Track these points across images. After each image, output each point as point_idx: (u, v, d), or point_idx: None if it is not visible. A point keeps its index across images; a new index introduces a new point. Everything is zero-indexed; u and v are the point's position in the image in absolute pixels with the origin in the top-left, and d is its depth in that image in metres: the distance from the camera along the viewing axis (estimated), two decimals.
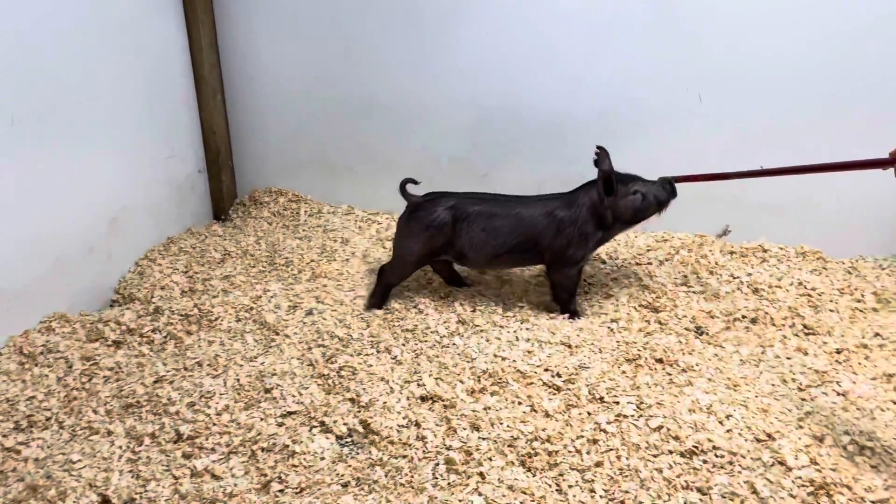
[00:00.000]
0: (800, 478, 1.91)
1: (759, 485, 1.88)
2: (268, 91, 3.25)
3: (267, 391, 2.23)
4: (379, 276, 2.72)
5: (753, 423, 2.09)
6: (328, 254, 3.00)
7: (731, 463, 1.96)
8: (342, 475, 1.94)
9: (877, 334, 2.48)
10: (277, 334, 2.49)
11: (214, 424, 2.08)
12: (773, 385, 2.25)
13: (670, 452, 2.00)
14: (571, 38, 2.90)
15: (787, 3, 2.70)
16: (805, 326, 2.53)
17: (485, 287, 2.83)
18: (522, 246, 2.59)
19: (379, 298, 2.70)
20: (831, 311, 2.62)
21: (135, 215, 2.86)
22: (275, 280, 2.81)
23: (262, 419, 2.12)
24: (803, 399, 2.20)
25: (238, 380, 2.26)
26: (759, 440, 2.04)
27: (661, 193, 2.52)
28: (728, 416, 2.12)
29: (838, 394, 2.21)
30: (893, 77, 2.67)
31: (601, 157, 2.51)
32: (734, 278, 2.82)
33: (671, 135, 2.96)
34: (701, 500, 1.86)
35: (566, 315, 2.66)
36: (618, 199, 2.50)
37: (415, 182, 2.64)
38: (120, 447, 2.00)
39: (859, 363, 2.35)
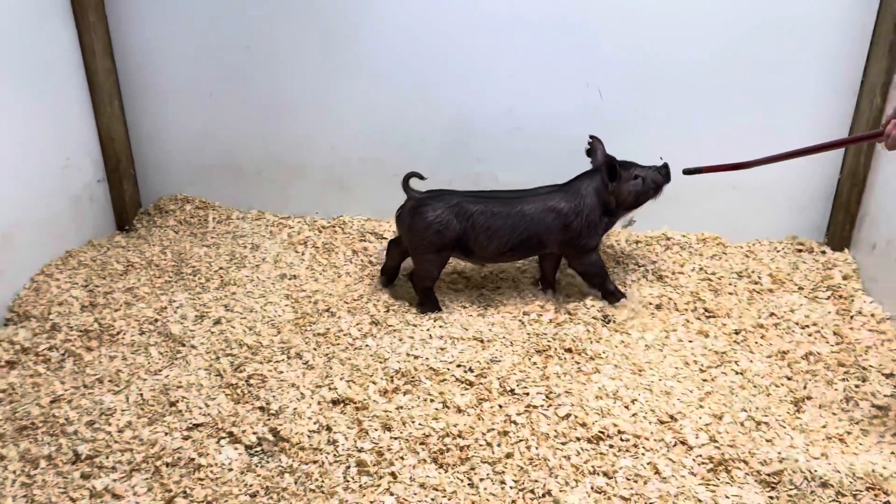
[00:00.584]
0: (700, 455, 1.98)
1: (662, 465, 1.95)
2: (168, 95, 3.16)
3: (172, 404, 2.16)
4: (413, 283, 2.73)
5: (657, 405, 2.16)
6: (238, 261, 2.94)
7: (635, 446, 2.02)
8: (250, 485, 1.90)
9: (772, 314, 2.59)
10: (183, 345, 2.43)
11: (115, 442, 2.01)
12: (675, 368, 2.33)
13: (578, 439, 2.05)
14: (475, 35, 2.93)
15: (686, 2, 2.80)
16: (706, 310, 2.62)
17: (400, 287, 2.83)
18: (527, 242, 2.62)
19: (429, 302, 2.71)
20: (730, 293, 2.73)
21: (28, 229, 2.74)
22: (181, 290, 2.74)
23: (166, 434, 2.06)
24: (704, 380, 2.28)
25: (141, 394, 2.19)
26: (662, 422, 2.10)
27: (658, 177, 2.62)
28: (633, 401, 2.18)
29: (736, 373, 2.31)
30: (783, 71, 2.80)
31: (595, 145, 2.66)
32: (639, 266, 2.91)
33: (575, 130, 3.02)
34: (607, 483, 1.90)
35: (608, 299, 2.70)
36: (621, 184, 2.59)
37: (421, 177, 2.65)
38: (13, 472, 1.91)
39: (756, 342, 2.45)
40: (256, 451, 2.03)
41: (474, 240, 2.60)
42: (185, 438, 2.04)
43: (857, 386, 2.20)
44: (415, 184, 2.64)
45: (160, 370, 2.30)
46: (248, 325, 2.54)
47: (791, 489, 1.87)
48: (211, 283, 2.78)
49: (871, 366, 2.26)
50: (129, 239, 3.08)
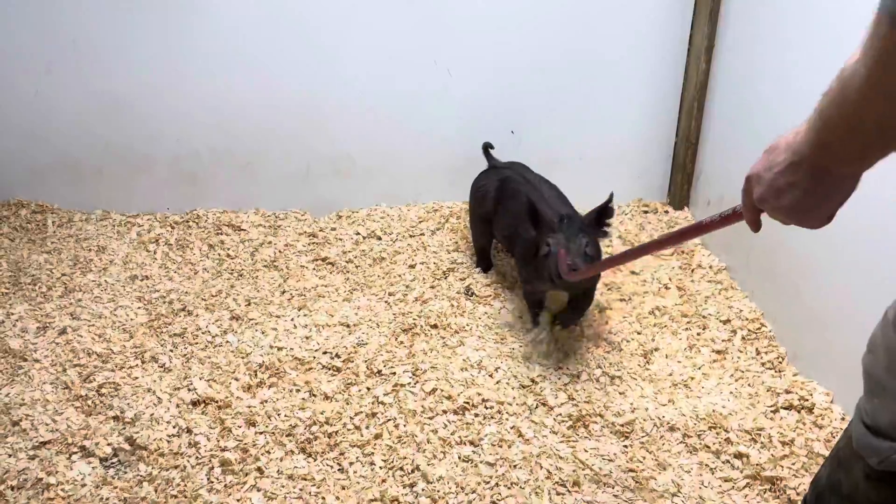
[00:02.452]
0: (560, 414, 2.07)
1: (525, 427, 2.02)
2: None
3: (14, 424, 2.02)
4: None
5: (519, 371, 2.23)
6: (83, 265, 2.76)
7: (499, 412, 2.08)
8: (107, 499, 1.81)
9: (618, 269, 2.73)
10: (25, 360, 2.26)
11: None
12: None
13: (444, 412, 2.08)
14: (321, 15, 2.87)
15: None
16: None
17: (261, 275, 2.76)
18: (512, 237, 2.44)
19: (482, 260, 2.77)
20: None
21: None
22: (20, 301, 2.54)
23: (10, 455, 1.92)
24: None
25: None
26: (524, 386, 2.17)
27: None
28: (496, 369, 2.24)
29: (590, 333, 2.42)
30: (619, 42, 2.92)
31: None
32: None
33: (428, 108, 3.04)
34: (473, 451, 1.95)
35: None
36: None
37: (491, 146, 2.79)
38: None
39: (606, 300, 2.57)
40: (112, 463, 1.93)
41: (496, 218, 2.56)
42: (32, 458, 1.91)
43: (698, 334, 2.36)
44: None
45: None
46: (97, 332, 2.40)
47: (643, 436, 1.98)
48: (53, 292, 2.60)
49: (710, 314, 2.43)
50: None
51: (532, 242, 2.21)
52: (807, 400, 2.00)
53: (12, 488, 1.82)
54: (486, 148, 2.78)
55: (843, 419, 1.94)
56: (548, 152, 3.09)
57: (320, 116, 3.04)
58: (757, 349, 2.24)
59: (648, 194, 3.20)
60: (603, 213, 2.13)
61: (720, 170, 2.80)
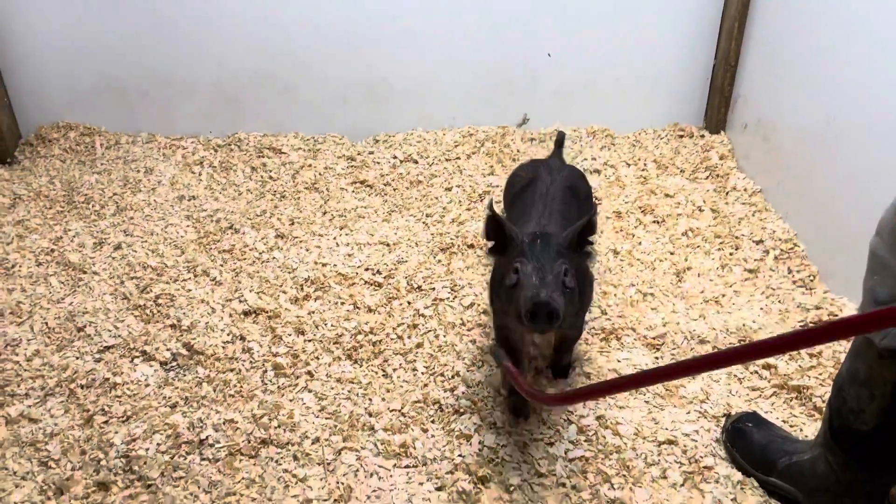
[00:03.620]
0: (593, 328, 2.15)
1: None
2: (36, 18, 2.96)
3: (79, 330, 2.15)
4: None
5: None
6: (132, 185, 2.87)
7: None
8: (169, 398, 1.95)
9: (652, 192, 2.77)
10: (85, 273, 2.39)
11: (25, 370, 2.00)
12: None
13: (481, 325, 2.18)
14: None
15: None
16: (596, 198, 2.77)
17: (303, 197, 2.84)
18: None
19: None
20: (619, 179, 2.88)
21: None
22: (76, 219, 2.66)
23: (77, 358, 2.06)
24: (598, 261, 2.44)
25: (46, 323, 2.17)
26: None
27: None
28: None
29: (616, 252, 2.47)
30: None
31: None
32: None
33: (464, 32, 3.05)
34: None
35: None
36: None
37: (561, 140, 2.37)
38: None
39: (640, 221, 2.62)
40: (172, 367, 2.06)
41: (509, 215, 2.12)
42: (98, 361, 2.05)
43: (731, 254, 2.41)
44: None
45: (63, 298, 2.27)
46: (150, 247, 2.51)
47: (673, 348, 2.06)
48: (106, 210, 2.71)
49: (743, 235, 2.47)
50: (13, 171, 2.94)
51: (497, 267, 1.72)
52: (836, 315, 2.06)
53: (82, 387, 1.97)
54: (559, 141, 2.36)
55: None
56: (584, 75, 3.09)
57: (358, 41, 3.06)
58: (789, 268, 2.29)
59: (684, 118, 3.20)
60: (585, 229, 1.63)
61: (759, 93, 2.79)
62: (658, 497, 1.64)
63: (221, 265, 2.45)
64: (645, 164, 2.95)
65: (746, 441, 1.67)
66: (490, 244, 1.66)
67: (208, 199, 2.82)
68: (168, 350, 2.10)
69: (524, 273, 1.49)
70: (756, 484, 1.66)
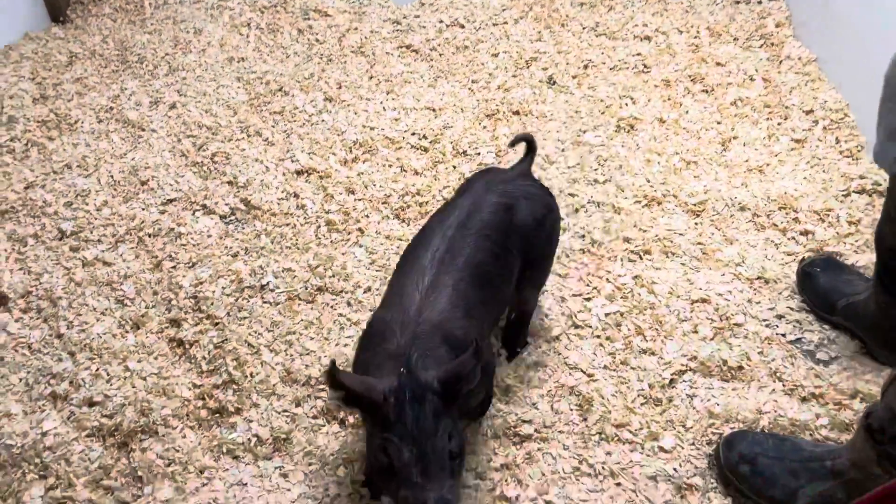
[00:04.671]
0: (635, 194, 2.20)
1: (600, 198, 2.16)
2: None
3: (143, 183, 2.27)
4: None
5: (596, 153, 2.34)
6: (182, 46, 2.90)
7: (574, 193, 2.22)
8: (230, 248, 2.08)
9: (703, 61, 2.72)
10: (143, 130, 2.48)
11: (96, 219, 2.14)
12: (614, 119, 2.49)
13: None
14: None
15: None
16: (644, 65, 2.73)
17: (349, 61, 2.85)
18: None
19: None
20: (670, 47, 2.82)
21: None
22: (130, 78, 2.73)
23: (143, 209, 2.19)
24: (621, 129, 2.45)
25: (112, 176, 2.29)
26: (600, 165, 2.30)
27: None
28: (576, 152, 2.36)
29: (674, 121, 2.47)
30: None
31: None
32: (584, 28, 2.96)
33: None
34: None
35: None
36: None
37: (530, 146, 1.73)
38: (4, 250, 2.04)
39: (688, 90, 2.59)
40: (231, 220, 2.18)
41: None
42: (162, 212, 2.18)
43: (779, 124, 2.39)
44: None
45: (125, 154, 2.38)
46: (203, 107, 2.58)
47: (713, 214, 2.11)
48: (159, 70, 2.77)
49: (793, 105, 2.44)
50: (67, 30, 2.99)
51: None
52: (880, 185, 2.07)
53: (149, 235, 2.11)
54: (528, 143, 1.71)
55: None
56: None
57: None
58: (837, 138, 2.28)
59: None
60: (453, 379, 1.19)
61: None
62: (688, 349, 1.75)
63: (273, 126, 2.52)
64: (698, 32, 2.87)
65: (813, 284, 1.80)
66: (336, 395, 1.19)
67: (257, 61, 2.85)
68: (227, 205, 2.21)
69: (399, 460, 1.13)
70: (782, 340, 1.75)
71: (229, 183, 2.28)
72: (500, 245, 1.46)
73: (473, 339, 1.21)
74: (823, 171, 2.19)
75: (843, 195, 2.09)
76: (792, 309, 1.83)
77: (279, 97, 2.65)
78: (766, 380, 1.66)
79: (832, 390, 1.62)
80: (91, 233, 2.10)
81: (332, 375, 1.15)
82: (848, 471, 1.34)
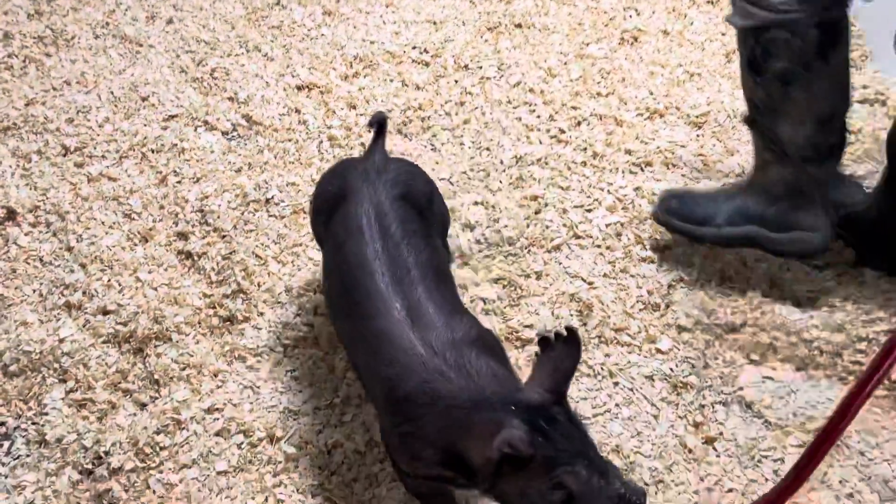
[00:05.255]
0: (637, 107, 2.19)
1: (601, 111, 2.16)
2: None
3: (143, 99, 2.27)
4: None
5: (611, 67, 2.33)
6: None
7: (576, 106, 2.22)
8: (234, 163, 2.09)
9: None
10: (141, 46, 2.46)
11: (99, 135, 2.15)
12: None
13: (526, 103, 2.23)
14: None
15: None
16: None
17: None
18: None
19: None
20: None
21: None
22: None
23: (145, 125, 2.19)
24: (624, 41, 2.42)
25: (112, 92, 2.28)
26: (603, 78, 2.28)
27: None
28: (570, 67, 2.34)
29: (678, 32, 2.44)
30: None
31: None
32: None
33: None
34: (558, 140, 2.13)
35: None
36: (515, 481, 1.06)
37: (383, 122, 1.60)
38: (9, 166, 2.06)
39: (693, 1, 2.55)
40: (233, 136, 2.19)
41: (324, 258, 1.49)
42: (164, 128, 2.18)
43: None
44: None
45: (124, 70, 2.36)
46: (201, 22, 2.55)
47: (715, 126, 2.11)
48: None
49: None
50: None
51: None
52: (882, 94, 2.06)
53: (153, 151, 2.12)
54: (379, 123, 1.57)
55: None
56: None
57: None
58: None
59: None
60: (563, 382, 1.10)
61: None
62: (687, 257, 1.78)
63: (272, 41, 2.49)
64: None
65: (682, 209, 1.74)
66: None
67: None
68: (228, 121, 2.21)
69: (582, 482, 1.01)
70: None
71: (230, 99, 2.27)
72: (424, 231, 1.39)
73: (568, 328, 1.10)
74: None
75: None
76: None
77: (277, 11, 2.61)
78: (762, 287, 1.70)
79: (825, 294, 1.66)
80: (95, 149, 2.11)
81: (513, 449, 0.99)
82: (750, 178, 1.68)
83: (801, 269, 1.73)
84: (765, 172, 1.62)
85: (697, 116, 2.13)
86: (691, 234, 1.73)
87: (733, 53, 2.33)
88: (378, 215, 1.33)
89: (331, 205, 1.42)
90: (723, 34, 2.41)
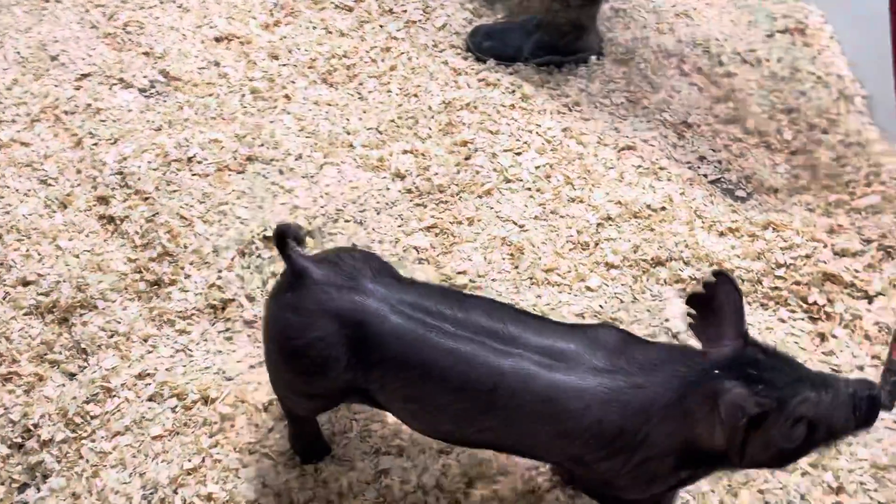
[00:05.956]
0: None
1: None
2: None
3: (53, 59, 2.15)
4: None
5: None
6: None
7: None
8: (153, 121, 2.02)
9: None
10: (48, 1, 2.32)
11: (7, 98, 2.04)
12: None
13: (453, 47, 2.19)
14: None
15: None
16: None
17: None
18: None
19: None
20: None
21: None
22: None
23: (56, 85, 2.08)
24: None
25: (18, 52, 2.16)
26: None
27: (846, 420, 1.05)
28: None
29: None
30: None
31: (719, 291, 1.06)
32: None
33: None
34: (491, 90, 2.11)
35: None
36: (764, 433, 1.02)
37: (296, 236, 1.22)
38: None
39: None
40: (151, 93, 2.11)
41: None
42: (77, 88, 2.08)
43: None
44: None
45: (30, 28, 2.23)
46: None
47: (641, 63, 2.12)
48: None
49: None
50: None
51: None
52: (802, 23, 2.09)
53: (66, 112, 2.02)
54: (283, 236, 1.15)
55: (831, 38, 2.06)
56: None
57: None
58: None
59: None
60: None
61: None
62: (614, 195, 1.80)
63: None
64: None
65: (495, 47, 2.15)
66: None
67: None
68: (145, 77, 2.12)
69: (815, 404, 1.00)
70: (704, 181, 1.82)
71: (145, 54, 2.17)
72: (436, 286, 1.43)
73: (715, 272, 1.05)
74: (749, 13, 2.19)
75: (766, 36, 2.11)
76: (714, 150, 1.89)
77: None
78: (686, 217, 1.73)
79: (747, 224, 1.70)
80: (3, 113, 2.00)
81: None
82: (542, 19, 2.11)
83: (724, 202, 1.77)
84: (555, 15, 2.07)
85: (623, 53, 2.13)
86: (506, 64, 2.15)
87: None
88: (408, 306, 1.12)
89: (348, 345, 1.12)
90: None
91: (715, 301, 1.04)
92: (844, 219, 1.64)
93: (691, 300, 1.06)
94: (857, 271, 1.58)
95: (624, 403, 1.05)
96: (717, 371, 1.01)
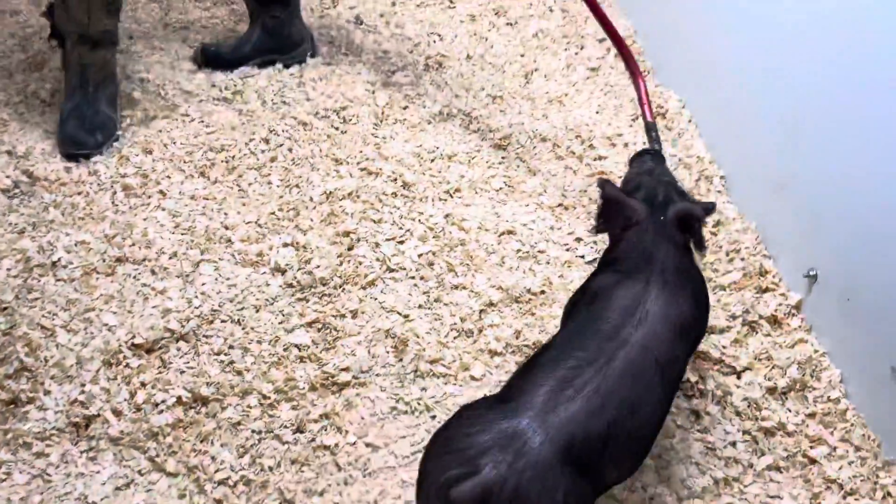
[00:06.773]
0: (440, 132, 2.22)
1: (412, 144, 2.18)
2: None
3: None
4: None
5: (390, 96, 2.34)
6: None
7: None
8: (16, 224, 1.91)
9: None
10: None
11: None
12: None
13: (333, 136, 2.20)
14: None
15: None
16: (450, 0, 2.73)
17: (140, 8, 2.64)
18: None
19: None
20: None
21: None
22: None
23: None
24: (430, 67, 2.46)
25: None
26: (416, 100, 2.30)
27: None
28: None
29: (480, 56, 2.50)
30: None
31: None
32: None
33: None
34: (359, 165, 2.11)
35: None
36: None
37: None
38: None
39: (492, 25, 2.63)
40: (15, 194, 2.00)
41: None
42: None
43: (576, 53, 2.49)
44: None
45: None
46: None
47: (518, 147, 2.18)
48: None
49: (588, 34, 2.54)
50: None
51: None
52: (662, 107, 2.22)
53: None
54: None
55: (689, 121, 2.18)
56: None
57: None
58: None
59: None
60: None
61: None
62: (495, 280, 1.82)
63: (50, 86, 2.31)
64: None
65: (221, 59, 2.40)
66: None
67: None
68: (8, 178, 2.02)
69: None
70: (580, 262, 1.87)
71: (7, 153, 2.08)
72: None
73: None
74: (615, 98, 2.31)
75: (632, 120, 2.22)
76: (590, 231, 1.94)
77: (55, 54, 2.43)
78: (565, 300, 1.76)
79: None
80: None
81: None
82: (252, 28, 2.42)
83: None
84: (252, 23, 2.39)
85: (501, 139, 2.19)
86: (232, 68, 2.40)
87: (531, 74, 2.42)
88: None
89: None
90: (521, 55, 2.50)
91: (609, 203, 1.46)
92: (710, 296, 1.71)
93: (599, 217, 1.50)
94: (724, 347, 1.64)
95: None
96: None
